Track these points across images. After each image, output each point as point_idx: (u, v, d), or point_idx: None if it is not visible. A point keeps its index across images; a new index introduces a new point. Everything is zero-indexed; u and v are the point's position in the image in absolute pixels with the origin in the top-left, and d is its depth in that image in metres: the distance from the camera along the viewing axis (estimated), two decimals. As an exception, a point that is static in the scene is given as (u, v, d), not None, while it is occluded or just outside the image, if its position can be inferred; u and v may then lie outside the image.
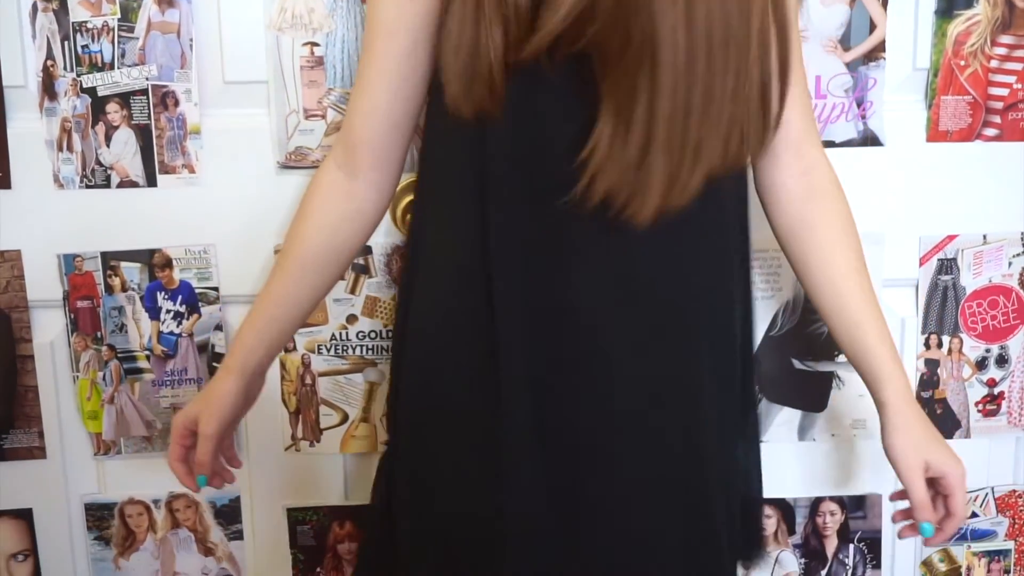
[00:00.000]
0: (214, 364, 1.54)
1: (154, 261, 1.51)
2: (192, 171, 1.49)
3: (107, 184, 1.49)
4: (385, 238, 1.51)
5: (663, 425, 1.16)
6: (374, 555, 1.36)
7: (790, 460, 1.60)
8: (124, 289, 1.52)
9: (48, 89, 1.46)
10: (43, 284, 1.52)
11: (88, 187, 1.49)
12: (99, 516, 1.58)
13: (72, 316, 1.52)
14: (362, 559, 1.46)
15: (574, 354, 1.14)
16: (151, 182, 1.49)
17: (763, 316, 1.55)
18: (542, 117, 1.09)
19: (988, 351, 1.59)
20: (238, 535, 1.59)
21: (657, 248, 1.12)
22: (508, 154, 1.10)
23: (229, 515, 1.59)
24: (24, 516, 1.58)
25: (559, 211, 1.08)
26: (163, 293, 1.52)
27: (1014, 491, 1.63)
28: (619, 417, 1.15)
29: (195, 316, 1.53)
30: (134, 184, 1.49)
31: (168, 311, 1.53)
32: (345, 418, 1.56)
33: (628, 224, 1.06)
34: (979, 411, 1.60)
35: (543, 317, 1.12)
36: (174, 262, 1.51)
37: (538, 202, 1.10)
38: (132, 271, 1.52)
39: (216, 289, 1.52)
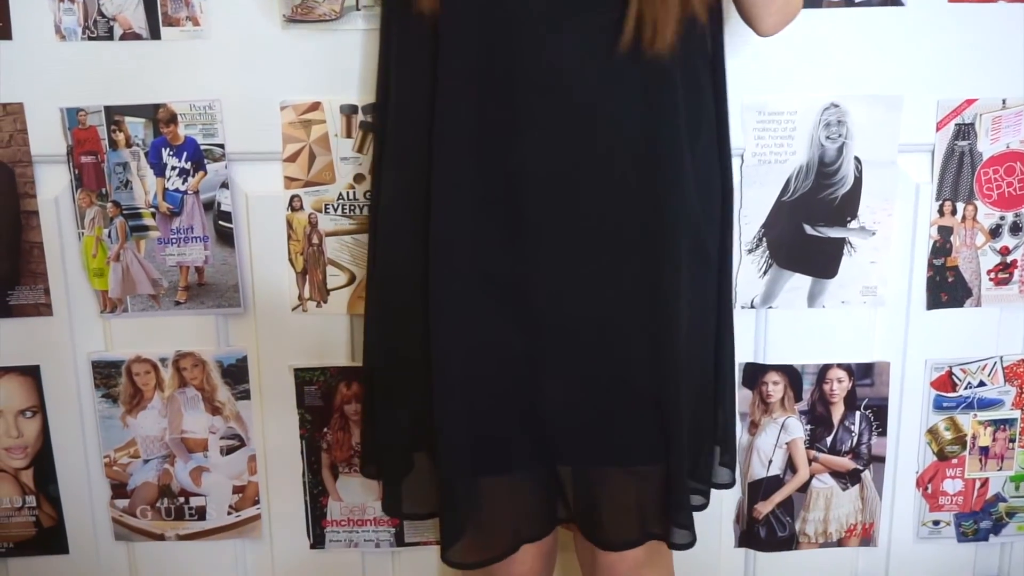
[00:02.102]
0: (220, 223, 1.53)
1: (159, 116, 1.49)
2: (196, 24, 1.46)
3: (110, 36, 1.46)
4: (393, 95, 1.48)
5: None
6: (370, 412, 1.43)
7: (799, 327, 1.60)
8: (128, 145, 1.50)
9: (48, -65, 1.42)
10: (46, 138, 1.49)
11: (90, 39, 1.46)
12: (106, 374, 1.58)
13: (76, 172, 1.50)
14: (364, 420, 1.50)
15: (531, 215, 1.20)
16: (154, 35, 1.46)
17: (776, 181, 1.53)
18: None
19: (1002, 219, 1.57)
20: (245, 395, 1.60)
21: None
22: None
23: (236, 374, 1.59)
24: (31, 373, 1.58)
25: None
26: (168, 149, 1.50)
27: (1023, 360, 1.62)
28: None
29: (201, 173, 1.51)
30: (137, 36, 1.46)
31: (173, 168, 1.51)
32: (352, 279, 1.55)
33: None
34: (991, 279, 1.58)
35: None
36: (179, 117, 1.49)
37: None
38: (136, 126, 1.49)
39: (222, 146, 1.50)
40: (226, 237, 1.53)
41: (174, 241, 1.53)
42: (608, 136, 1.19)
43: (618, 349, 1.24)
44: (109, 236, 1.53)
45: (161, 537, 1.65)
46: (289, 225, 1.53)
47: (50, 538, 1.65)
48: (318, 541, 1.66)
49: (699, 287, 1.29)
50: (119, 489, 1.63)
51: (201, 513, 1.64)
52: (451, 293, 1.22)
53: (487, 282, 1.22)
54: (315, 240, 1.54)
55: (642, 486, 1.29)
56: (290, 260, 1.55)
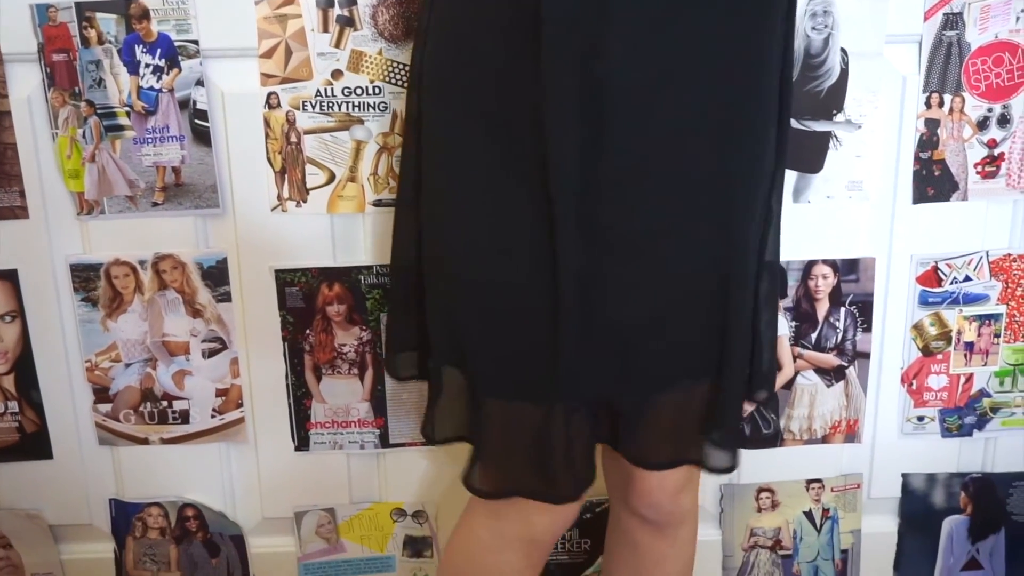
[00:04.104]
0: (196, 121, 1.50)
1: (130, 12, 1.45)
2: (166, -86, 1.42)
3: (77, -72, 1.42)
4: (370, -12, 1.45)
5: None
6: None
7: (784, 222, 1.56)
8: (101, 42, 1.47)
9: None
10: (16, 36, 1.46)
11: (58, -69, 1.42)
12: (85, 277, 1.56)
13: (48, 70, 1.47)
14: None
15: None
16: (123, -74, 1.42)
17: (761, 73, 1.50)
18: None
19: (990, 110, 1.55)
20: (226, 297, 1.58)
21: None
22: None
23: (216, 276, 1.57)
24: (9, 277, 1.56)
25: None
26: (141, 46, 1.47)
27: (1009, 255, 1.61)
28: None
29: (175, 71, 1.48)
30: (106, -72, 1.42)
31: (147, 65, 1.48)
32: (332, 177, 1.53)
33: None
34: (978, 172, 1.57)
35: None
36: (151, 13, 1.46)
37: None
38: (108, 23, 1.46)
39: (196, 42, 1.47)
40: (203, 136, 1.51)
41: (150, 141, 1.51)
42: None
43: (686, 255, 1.19)
44: (84, 136, 1.50)
45: (145, 441, 1.65)
46: (266, 123, 1.51)
47: (34, 443, 1.64)
48: (302, 443, 1.66)
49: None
50: (101, 394, 1.62)
51: (184, 417, 1.63)
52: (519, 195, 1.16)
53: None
54: (293, 138, 1.51)
55: (686, 406, 1.25)
56: (268, 159, 1.53)
